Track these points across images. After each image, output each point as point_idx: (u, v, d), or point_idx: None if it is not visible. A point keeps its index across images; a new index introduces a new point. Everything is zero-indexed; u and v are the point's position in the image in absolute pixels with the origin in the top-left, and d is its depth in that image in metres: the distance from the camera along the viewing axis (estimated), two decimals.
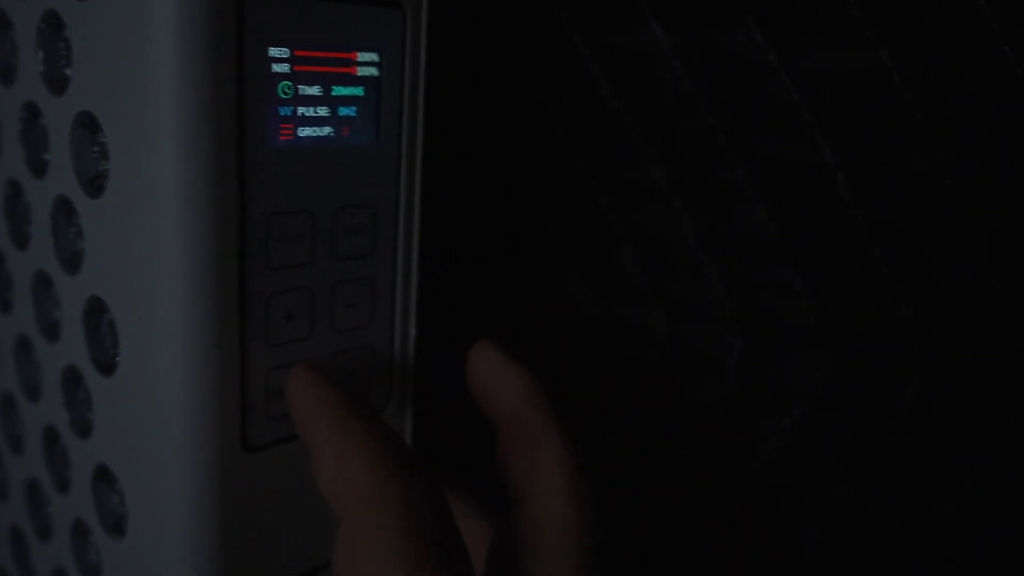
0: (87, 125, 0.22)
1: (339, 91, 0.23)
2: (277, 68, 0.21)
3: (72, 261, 0.24)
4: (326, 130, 0.23)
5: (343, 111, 0.23)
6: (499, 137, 0.31)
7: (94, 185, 0.23)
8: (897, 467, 0.28)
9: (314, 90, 0.22)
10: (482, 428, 0.25)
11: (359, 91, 0.23)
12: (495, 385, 0.24)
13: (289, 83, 0.22)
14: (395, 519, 0.19)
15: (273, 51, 0.21)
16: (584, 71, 0.28)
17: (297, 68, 0.22)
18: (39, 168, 0.25)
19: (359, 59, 0.23)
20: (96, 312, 0.24)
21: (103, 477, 0.25)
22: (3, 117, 0.26)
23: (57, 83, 0.23)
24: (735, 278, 0.28)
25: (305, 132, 0.22)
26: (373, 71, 0.23)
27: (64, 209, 0.24)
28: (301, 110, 0.22)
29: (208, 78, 0.20)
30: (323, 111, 0.22)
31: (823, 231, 0.26)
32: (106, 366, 0.24)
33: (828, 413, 0.28)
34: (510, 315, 0.32)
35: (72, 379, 0.25)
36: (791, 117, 0.25)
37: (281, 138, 0.22)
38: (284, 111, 0.22)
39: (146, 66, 0.20)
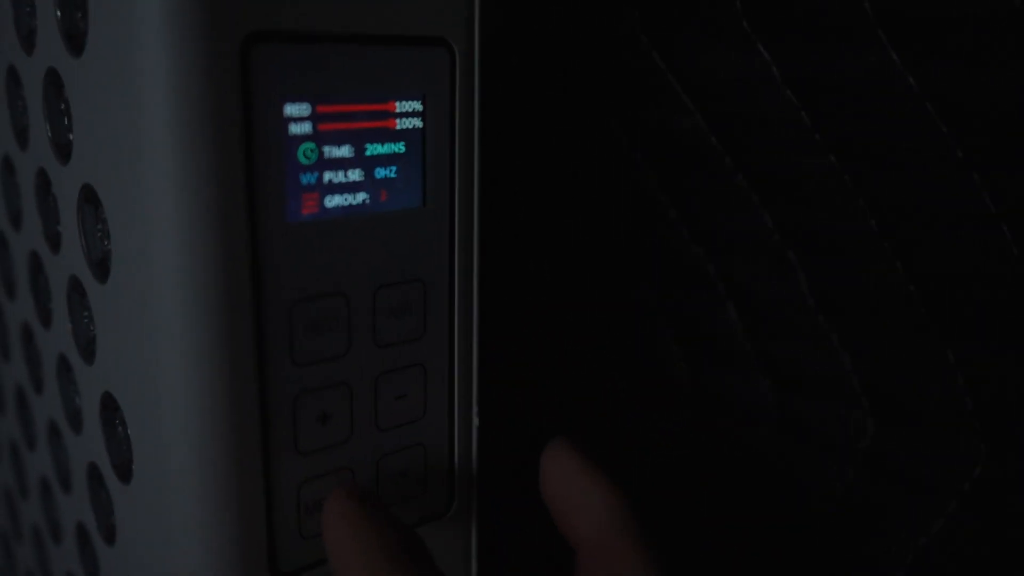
0: (91, 200, 0.19)
1: (375, 150, 0.19)
2: (296, 129, 0.18)
3: (88, 348, 0.21)
4: (360, 197, 0.19)
5: (380, 173, 0.19)
6: (571, 188, 0.27)
7: (101, 268, 0.20)
8: None
9: (343, 151, 0.18)
10: (557, 536, 0.21)
11: (399, 147, 0.19)
12: (574, 502, 0.20)
13: (312, 145, 0.18)
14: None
15: (290, 109, 0.17)
16: (674, 103, 0.24)
17: (321, 127, 0.18)
18: (54, 242, 0.22)
19: (398, 109, 0.19)
20: (110, 410, 0.21)
21: None
22: (22, 182, 0.24)
23: (62, 150, 0.20)
24: (865, 348, 0.23)
25: (334, 202, 0.18)
26: (416, 122, 0.19)
27: (77, 290, 0.21)
28: (328, 176, 0.18)
29: (210, 146, 0.16)
30: (355, 175, 0.19)
31: (980, 293, 0.21)
32: (123, 471, 0.21)
33: (986, 515, 0.23)
34: (591, 391, 0.28)
35: (95, 478, 0.23)
36: (938, 154, 0.20)
37: (304, 211, 0.18)
38: (306, 179, 0.18)
39: (140, 132, 0.17)
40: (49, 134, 0.21)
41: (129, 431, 0.20)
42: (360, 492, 0.19)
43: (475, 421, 0.22)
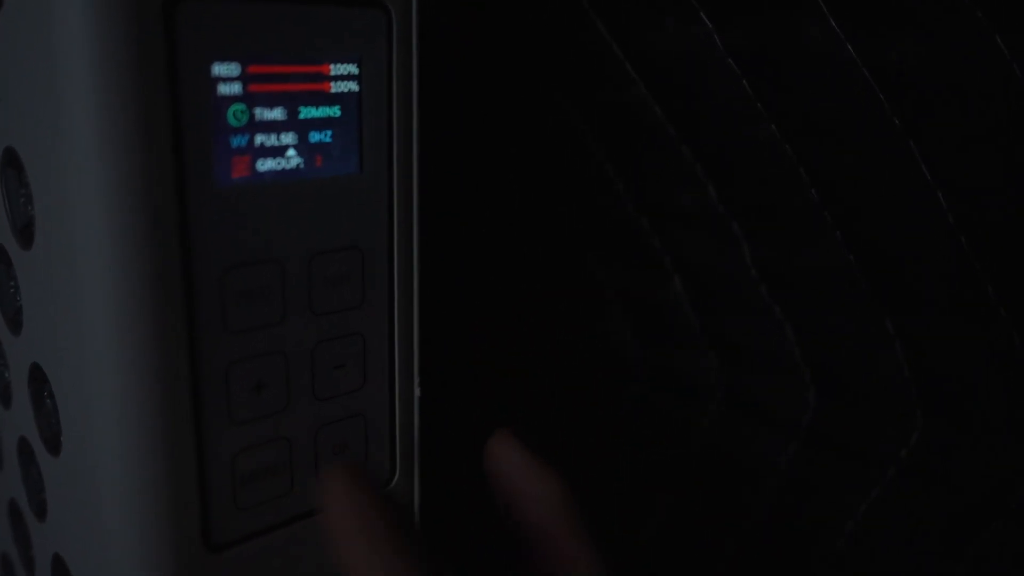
0: (13, 164, 0.19)
1: (309, 113, 0.19)
2: (225, 89, 0.17)
3: (15, 319, 0.21)
4: (293, 161, 0.18)
5: (315, 137, 0.19)
6: (514, 157, 0.26)
7: (25, 234, 0.19)
8: (1013, 560, 0.23)
9: (276, 113, 0.18)
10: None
11: (335, 111, 0.19)
12: (521, 490, 0.20)
13: (243, 106, 0.17)
14: None
15: (219, 68, 0.17)
16: (618, 74, 0.23)
17: (252, 88, 0.18)
18: None
19: (333, 72, 0.19)
20: (38, 382, 0.20)
21: (59, 568, 0.21)
22: None
23: None
24: (807, 320, 0.23)
25: (266, 166, 0.18)
26: (352, 86, 0.19)
27: (2, 259, 0.21)
28: (260, 139, 0.18)
29: (133, 107, 0.16)
30: (288, 138, 0.18)
31: (918, 264, 0.21)
32: (52, 444, 0.20)
33: (925, 485, 0.23)
34: (536, 362, 0.28)
35: (25, 453, 0.22)
36: (877, 124, 0.20)
37: (234, 175, 0.18)
38: (237, 141, 0.18)
39: (61, 93, 0.16)
40: None
41: (57, 402, 0.19)
42: (357, 469, 0.18)
43: (416, 392, 0.22)
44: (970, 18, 0.19)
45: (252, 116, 0.18)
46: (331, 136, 0.19)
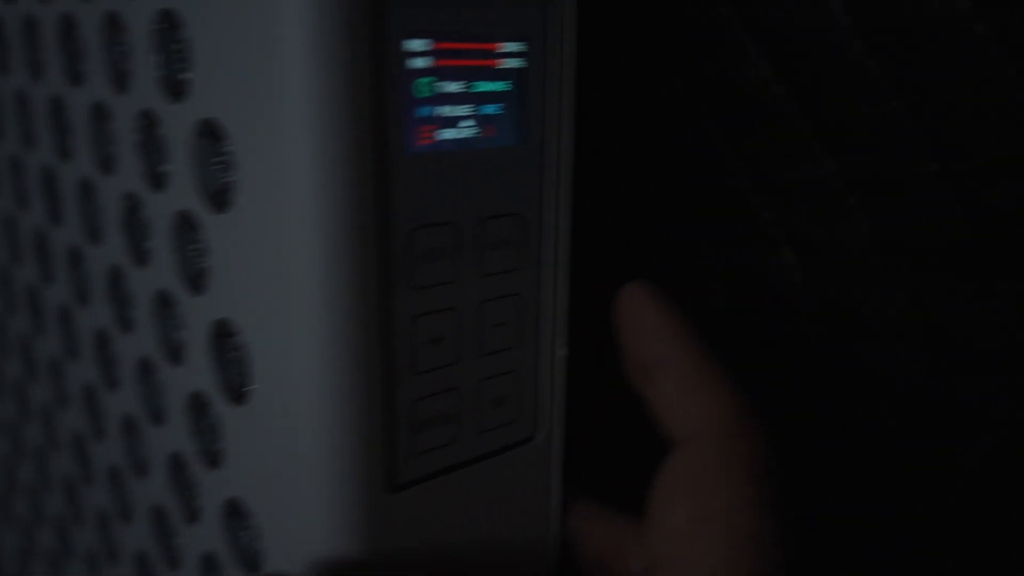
0: (209, 133, 0.21)
1: (482, 87, 0.20)
2: (417, 63, 0.19)
3: (196, 280, 0.23)
4: (468, 131, 0.20)
5: (487, 109, 0.20)
6: (650, 135, 0.28)
7: (219, 199, 0.21)
8: None
9: (456, 87, 0.20)
10: (639, 454, 0.23)
11: (504, 86, 0.21)
12: (648, 325, 0.22)
13: (429, 79, 0.19)
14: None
15: (412, 44, 0.19)
16: (738, 50, 0.25)
17: (439, 63, 0.19)
18: (157, 181, 0.23)
19: (502, 50, 0.20)
20: (224, 336, 0.22)
21: (235, 512, 0.23)
22: (118, 126, 0.25)
23: (176, 88, 0.21)
24: (920, 287, 0.25)
25: (447, 134, 0.20)
26: (519, 63, 0.21)
27: (186, 225, 0.22)
28: (442, 110, 0.19)
29: (344, 77, 0.18)
30: (465, 109, 0.20)
31: None
32: (236, 393, 0.22)
33: None
34: None
35: (198, 406, 0.24)
36: (1001, 98, 0.21)
37: (421, 142, 0.19)
38: (423, 112, 0.19)
39: (275, 67, 0.18)
40: (159, 72, 0.22)
41: (250, 353, 0.21)
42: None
43: (562, 352, 0.23)
44: None
45: (437, 88, 0.19)
46: (500, 109, 0.21)
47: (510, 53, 0.20)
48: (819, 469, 0.28)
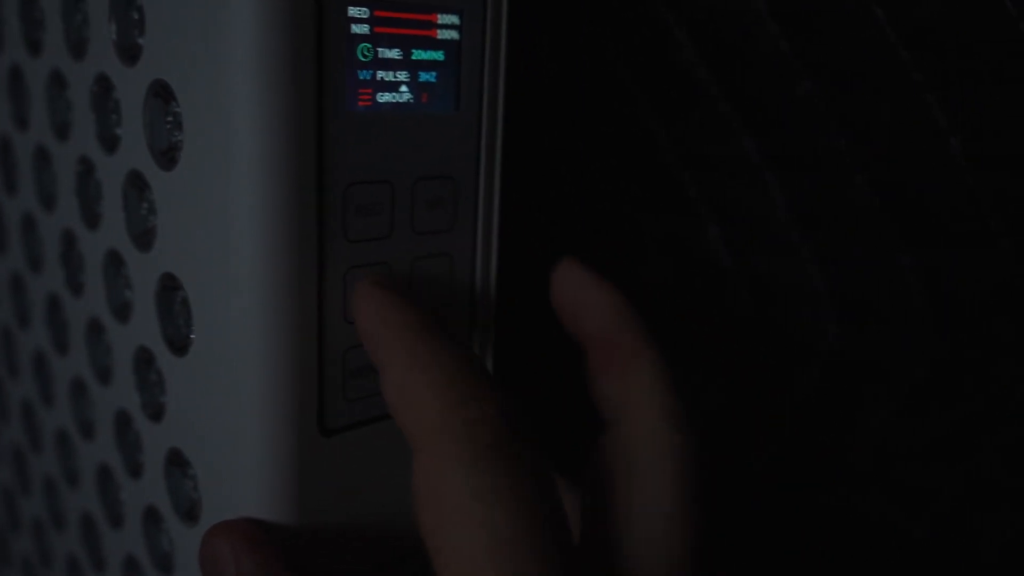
0: (160, 94, 0.22)
1: (419, 55, 0.22)
2: (357, 29, 0.20)
3: (144, 238, 0.24)
4: (405, 96, 0.21)
5: (423, 76, 0.22)
6: (580, 108, 0.30)
7: (167, 157, 0.22)
8: (1010, 459, 0.26)
9: (394, 53, 0.21)
10: (571, 418, 0.24)
11: (439, 55, 0.22)
12: (583, 302, 0.23)
13: (369, 45, 0.20)
14: (465, 449, 0.17)
15: (353, 10, 0.20)
16: (667, 35, 0.27)
17: (377, 29, 0.21)
18: (111, 143, 0.24)
19: (440, 21, 0.22)
20: (169, 290, 0.23)
21: (176, 462, 0.24)
22: (74, 91, 0.26)
23: (130, 52, 0.23)
24: (832, 255, 0.27)
25: (384, 98, 0.21)
26: (454, 34, 0.22)
27: (136, 184, 0.23)
28: (381, 74, 0.21)
29: (286, 39, 0.19)
30: (403, 75, 0.21)
31: (934, 203, 0.24)
32: (179, 346, 0.23)
33: (935, 402, 0.26)
34: None
35: (144, 361, 0.25)
36: (899, 78, 0.23)
37: (360, 103, 0.21)
38: (363, 75, 0.21)
39: (221, 29, 0.19)
40: (115, 37, 0.23)
41: (191, 306, 0.22)
42: (390, 279, 0.21)
43: (492, 313, 0.25)
44: None
45: (376, 54, 0.21)
46: (435, 77, 0.22)
47: (446, 24, 0.22)
48: (743, 434, 0.30)
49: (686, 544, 0.20)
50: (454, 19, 0.22)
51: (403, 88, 0.21)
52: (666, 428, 0.21)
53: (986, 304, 0.25)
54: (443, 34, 0.22)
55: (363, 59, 0.20)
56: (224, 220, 0.20)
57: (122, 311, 0.25)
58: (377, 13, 0.20)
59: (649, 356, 0.22)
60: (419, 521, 0.18)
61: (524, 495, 0.17)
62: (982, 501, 0.27)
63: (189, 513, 0.24)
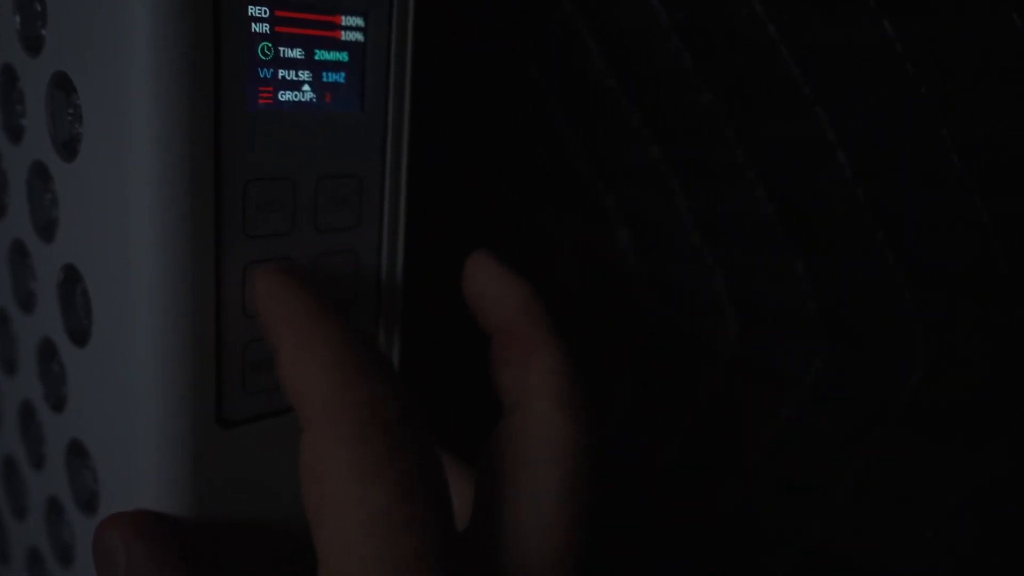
0: (62, 86, 0.22)
1: (322, 55, 0.22)
2: (257, 28, 0.20)
3: (48, 229, 0.24)
4: (308, 96, 0.22)
5: (327, 76, 0.22)
6: (489, 113, 0.30)
7: (68, 149, 0.22)
8: (897, 459, 0.27)
9: (295, 53, 0.21)
10: (472, 411, 0.24)
11: (343, 56, 0.22)
12: (492, 293, 0.23)
13: (269, 44, 0.21)
14: (349, 427, 0.18)
15: (253, 10, 0.20)
16: (579, 46, 0.27)
17: (278, 29, 0.21)
18: (16, 134, 0.24)
19: (344, 23, 0.22)
20: (71, 281, 0.23)
21: (76, 453, 0.24)
22: None
23: (33, 43, 0.23)
24: (732, 262, 0.28)
25: (286, 96, 0.21)
26: (358, 36, 0.22)
27: (40, 175, 0.23)
28: (282, 73, 0.21)
29: (184, 36, 0.19)
30: (305, 75, 0.22)
31: (824, 212, 0.25)
32: (80, 337, 0.23)
33: (826, 403, 0.27)
34: None
35: (47, 352, 0.25)
36: (791, 93, 0.24)
37: (260, 102, 0.21)
38: (264, 73, 0.21)
39: (120, 23, 0.19)
40: (18, 28, 0.23)
41: (91, 297, 0.22)
42: (290, 268, 0.21)
43: (399, 317, 0.25)
44: (864, 8, 0.23)
45: (277, 53, 0.21)
46: (340, 78, 0.22)
47: (350, 27, 0.22)
48: (648, 431, 0.30)
49: (573, 532, 0.20)
50: (359, 21, 0.22)
51: (305, 87, 0.22)
52: (557, 416, 0.21)
53: (872, 309, 0.26)
54: (347, 35, 0.22)
55: (264, 57, 0.21)
56: (122, 213, 0.20)
57: (27, 302, 0.25)
58: (278, 13, 0.21)
59: (549, 346, 0.22)
60: (304, 498, 0.18)
61: (403, 474, 0.17)
62: (871, 500, 0.28)
63: (88, 504, 0.24)
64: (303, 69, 0.22)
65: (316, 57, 0.22)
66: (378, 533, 0.16)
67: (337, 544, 0.17)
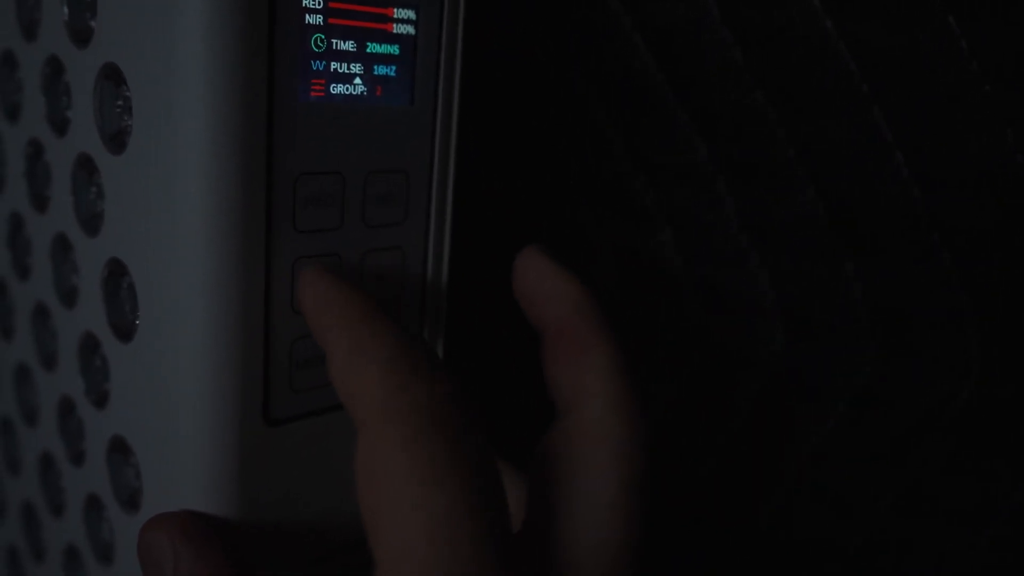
0: (111, 77, 0.21)
1: (374, 48, 0.22)
2: (310, 19, 0.20)
3: (92, 222, 0.23)
4: (359, 89, 0.21)
5: (378, 69, 0.22)
6: (535, 110, 0.30)
7: (117, 141, 0.22)
8: (945, 470, 0.27)
9: (348, 45, 0.21)
10: (524, 412, 0.24)
11: (394, 49, 0.22)
12: (544, 291, 0.23)
13: (322, 36, 0.21)
14: (408, 430, 0.17)
15: (306, 1, 0.20)
16: (625, 41, 0.27)
17: (331, 20, 0.21)
18: (61, 126, 0.24)
19: (395, 15, 0.22)
20: (116, 275, 0.23)
21: (118, 449, 0.24)
22: (25, 73, 0.26)
23: (81, 34, 0.22)
24: (779, 265, 0.27)
25: (337, 89, 0.21)
26: (410, 29, 0.22)
27: (85, 167, 0.23)
28: (334, 65, 0.21)
29: (238, 27, 0.19)
30: (357, 67, 0.21)
31: (878, 216, 0.25)
32: (124, 332, 0.23)
33: (873, 412, 0.27)
34: None
35: (89, 347, 0.24)
36: (848, 91, 0.24)
37: (312, 94, 0.21)
38: (316, 65, 0.21)
39: (172, 14, 0.19)
40: (66, 19, 0.23)
41: (138, 292, 0.22)
42: (336, 267, 0.21)
43: (443, 311, 0.25)
44: (927, 4, 0.22)
45: (330, 45, 0.21)
46: (390, 71, 0.22)
47: (402, 19, 0.22)
48: (688, 440, 0.30)
49: (627, 535, 0.20)
50: (410, 14, 0.22)
51: (357, 80, 0.21)
52: (612, 418, 0.21)
53: (926, 314, 0.25)
54: (399, 28, 0.22)
55: (316, 49, 0.20)
56: (171, 206, 0.20)
57: (69, 296, 0.25)
58: (331, 5, 0.20)
59: (604, 347, 0.22)
60: (359, 501, 0.18)
61: (463, 478, 0.17)
62: (916, 511, 0.28)
63: (130, 502, 0.24)
64: (355, 62, 0.21)
65: (368, 50, 0.21)
66: (439, 537, 0.16)
67: (396, 548, 0.17)
